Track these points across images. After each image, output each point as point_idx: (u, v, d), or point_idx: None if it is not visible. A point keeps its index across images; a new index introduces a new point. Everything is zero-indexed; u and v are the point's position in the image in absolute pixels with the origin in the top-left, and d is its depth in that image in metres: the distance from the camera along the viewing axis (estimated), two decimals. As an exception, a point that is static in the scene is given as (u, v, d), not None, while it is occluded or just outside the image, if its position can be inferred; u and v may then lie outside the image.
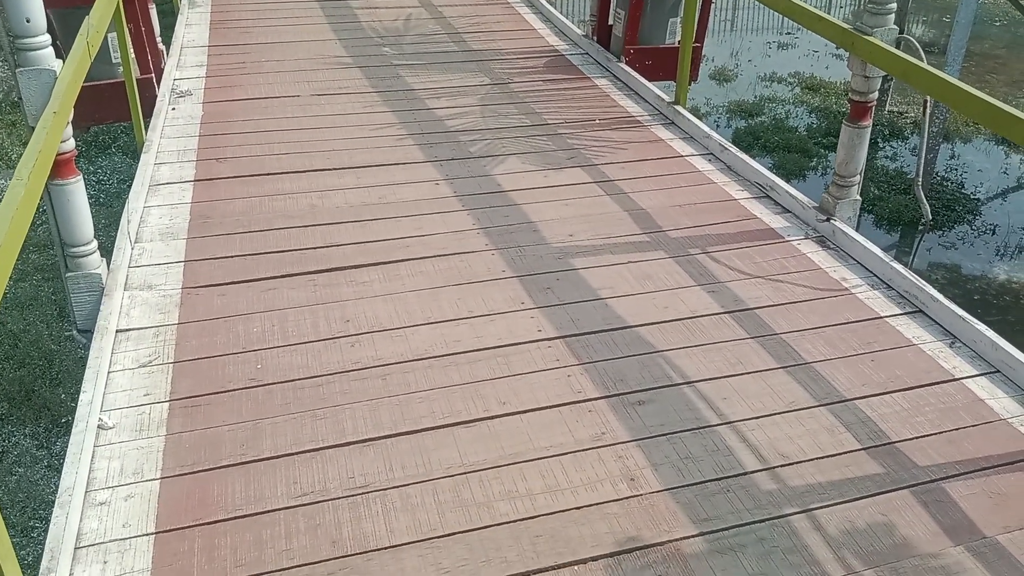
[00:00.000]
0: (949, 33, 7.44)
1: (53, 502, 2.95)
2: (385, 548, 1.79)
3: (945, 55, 7.09)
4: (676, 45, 4.53)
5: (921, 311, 2.61)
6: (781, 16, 10.34)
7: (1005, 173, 6.80)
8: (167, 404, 2.14)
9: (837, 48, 9.30)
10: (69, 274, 2.46)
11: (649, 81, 4.26)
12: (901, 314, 2.60)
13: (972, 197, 6.31)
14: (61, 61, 2.40)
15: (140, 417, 2.10)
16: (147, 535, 1.79)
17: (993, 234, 5.96)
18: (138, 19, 3.82)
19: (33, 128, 2.23)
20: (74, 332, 2.49)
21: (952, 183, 6.39)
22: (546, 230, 3.02)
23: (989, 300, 5.17)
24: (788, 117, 7.48)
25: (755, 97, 7.85)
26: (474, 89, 4.25)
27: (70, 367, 3.53)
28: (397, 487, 1.94)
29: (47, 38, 2.34)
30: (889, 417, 2.19)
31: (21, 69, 2.30)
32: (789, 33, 9.85)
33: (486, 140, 3.71)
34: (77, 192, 2.42)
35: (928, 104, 2.89)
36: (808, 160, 6.69)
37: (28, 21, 2.29)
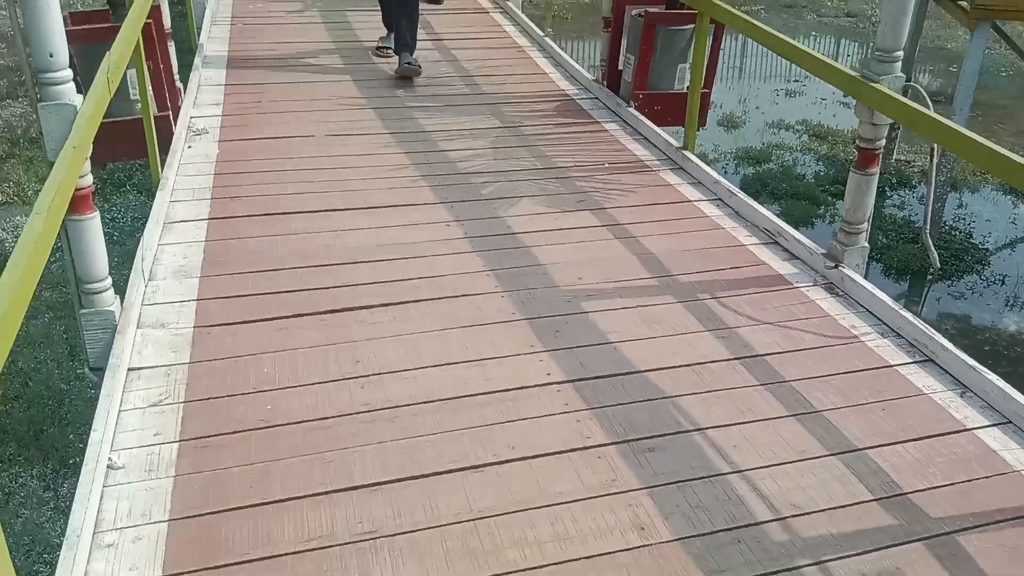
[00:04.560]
0: (956, 83, 7.51)
1: (58, 544, 2.94)
2: (393, 595, 1.77)
3: (952, 104, 7.14)
4: (685, 91, 4.58)
5: (931, 360, 2.60)
6: (789, 64, 10.48)
7: (1013, 223, 6.80)
8: (177, 445, 2.14)
9: (844, 96, 9.37)
10: (83, 311, 2.48)
11: (658, 126, 4.30)
12: (911, 363, 2.60)
13: (980, 247, 6.31)
14: (82, 96, 2.44)
15: (150, 457, 2.10)
16: (154, 578, 1.78)
17: (1002, 284, 5.95)
18: (157, 56, 3.89)
19: (52, 162, 2.26)
20: (86, 370, 2.50)
21: (960, 232, 6.39)
22: (556, 273, 3.04)
23: (1000, 351, 5.14)
24: (796, 164, 7.53)
25: (763, 144, 7.90)
26: (486, 132, 4.29)
27: (80, 407, 3.53)
28: (405, 533, 1.92)
29: (69, 73, 2.38)
30: (901, 467, 2.17)
31: (43, 103, 2.34)
32: (797, 81, 9.95)
33: (498, 182, 3.74)
34: (93, 228, 2.45)
35: (935, 152, 2.91)
36: (816, 208, 6.71)
37: (51, 56, 2.33)
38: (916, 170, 7.33)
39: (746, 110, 8.84)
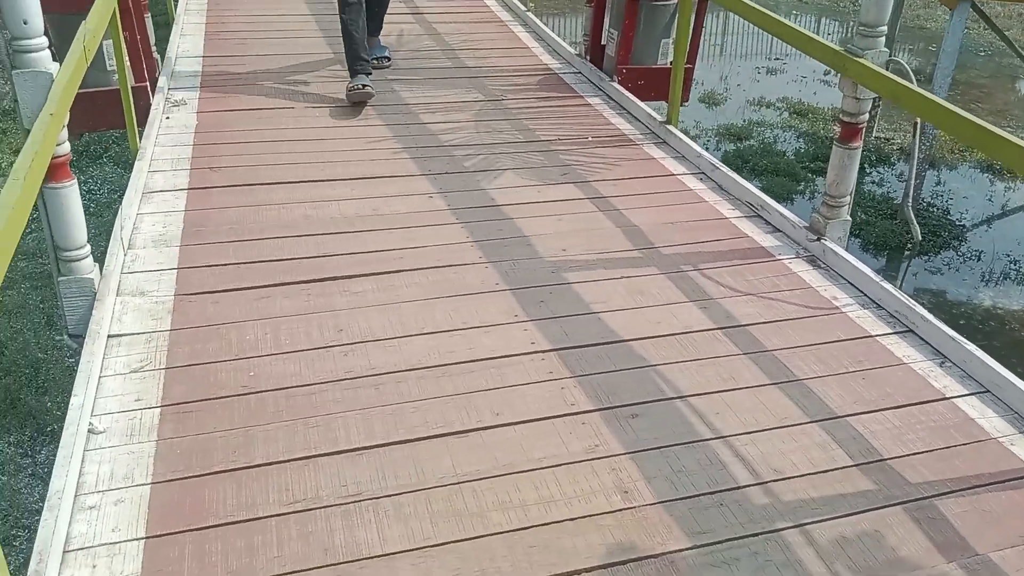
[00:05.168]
0: (935, 62, 7.56)
1: (37, 510, 2.92)
2: (378, 556, 1.78)
3: (931, 83, 7.19)
4: (668, 66, 4.57)
5: (911, 331, 2.63)
6: (770, 42, 10.49)
7: (990, 200, 6.88)
8: (159, 410, 2.13)
9: (825, 74, 9.44)
10: (61, 278, 2.44)
11: (641, 101, 4.29)
12: (892, 333, 2.63)
13: (958, 223, 6.39)
14: (58, 64, 2.40)
15: (131, 422, 2.08)
16: (137, 540, 1.77)
17: (978, 260, 6.02)
18: (134, 28, 3.82)
19: (29, 130, 2.22)
20: (65, 337, 2.47)
21: (938, 209, 6.46)
22: (540, 244, 3.04)
23: (975, 325, 5.21)
24: (776, 141, 7.56)
25: (744, 121, 7.93)
26: (468, 105, 4.27)
27: (57, 375, 3.49)
28: (390, 496, 1.92)
29: (44, 40, 2.33)
30: (881, 434, 2.20)
31: (17, 71, 2.29)
32: (778, 59, 9.97)
33: (480, 155, 3.72)
34: (71, 196, 2.41)
35: (918, 126, 2.93)
36: (796, 184, 6.75)
37: (25, 23, 2.28)
38: (895, 147, 7.39)
39: (727, 87, 8.85)
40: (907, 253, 6.03)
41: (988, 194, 6.96)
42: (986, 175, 7.21)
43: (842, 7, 11.79)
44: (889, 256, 6.01)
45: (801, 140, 7.66)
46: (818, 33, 10.85)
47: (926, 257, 6.03)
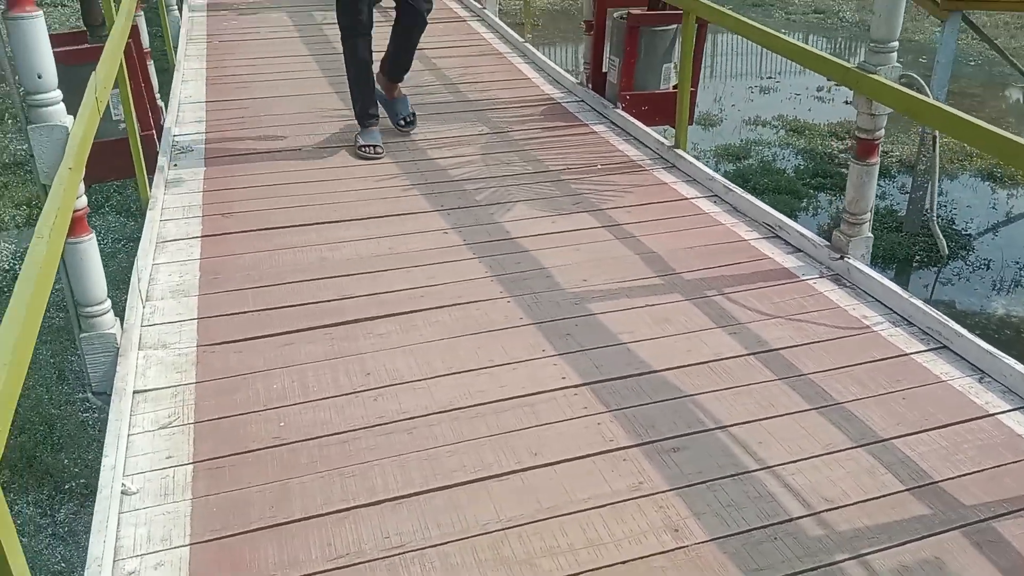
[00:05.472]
0: (926, 74, 7.60)
1: (58, 572, 2.85)
2: (429, 611, 1.72)
3: (927, 96, 7.23)
4: (671, 90, 4.58)
5: (946, 347, 2.59)
6: (760, 61, 10.56)
7: (993, 208, 6.88)
8: (191, 467, 2.07)
9: (819, 91, 9.49)
10: (83, 335, 2.40)
11: (646, 126, 4.29)
12: (926, 350, 2.59)
13: (963, 233, 6.38)
14: (72, 117, 2.37)
15: (164, 481, 2.02)
16: (179, 606, 1.71)
17: (988, 269, 6.01)
18: (138, 76, 3.81)
19: (46, 186, 2.19)
20: (88, 395, 2.42)
21: (943, 219, 6.45)
22: (559, 276, 3.00)
23: (990, 335, 5.18)
24: (775, 159, 7.57)
25: (741, 141, 7.95)
26: (474, 139, 4.25)
27: (72, 431, 3.43)
28: (435, 546, 1.87)
29: (58, 94, 2.31)
30: (928, 456, 2.15)
31: (33, 126, 2.27)
32: (770, 78, 10.03)
33: (491, 188, 3.70)
34: (91, 250, 2.37)
35: (936, 140, 2.91)
36: (798, 201, 6.75)
37: (40, 77, 2.26)
38: (894, 160, 7.41)
39: (722, 108, 8.88)
40: (938, 266, 6.00)
41: (991, 202, 6.97)
42: (987, 183, 7.23)
43: (830, 24, 11.89)
44: (898, 269, 5.99)
45: (800, 157, 7.68)
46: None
47: (935, 268, 6.01)
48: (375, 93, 4.08)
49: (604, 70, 4.77)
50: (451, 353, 2.56)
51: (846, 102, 9.16)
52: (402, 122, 4.13)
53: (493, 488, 2.04)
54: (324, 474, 2.07)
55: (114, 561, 1.78)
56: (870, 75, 2.83)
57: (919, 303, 2.71)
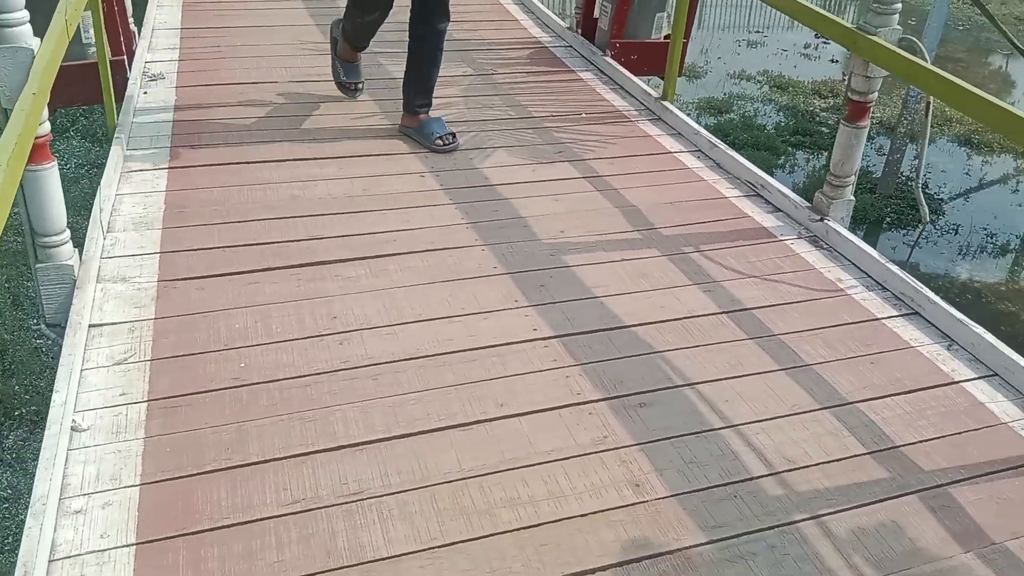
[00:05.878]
0: (915, 36, 7.53)
1: (5, 499, 2.80)
2: (383, 559, 1.70)
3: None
4: (662, 40, 4.48)
5: (917, 313, 2.58)
6: (749, 15, 10.37)
7: (967, 174, 6.89)
8: (145, 405, 2.02)
9: (805, 48, 9.36)
10: (39, 265, 2.32)
11: (634, 76, 4.20)
12: (898, 316, 2.58)
13: (936, 197, 6.39)
14: (38, 39, 2.26)
15: (116, 418, 1.97)
16: (127, 546, 1.67)
17: (956, 234, 6.03)
18: (110, -2, 3.66)
19: (8, 110, 2.09)
20: (42, 327, 2.35)
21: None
22: (536, 226, 2.95)
23: (952, 299, 5.21)
24: (757, 115, 7.51)
25: (724, 94, 7.86)
26: (457, 80, 4.14)
27: (24, 358, 3.35)
28: (393, 494, 1.85)
29: (25, 14, 2.19)
30: (892, 421, 2.15)
31: None
32: (759, 32, 9.89)
33: (472, 132, 3.61)
34: (51, 178, 2.28)
35: (930, 106, 2.87)
36: (776, 158, 6.71)
37: (5, -5, 2.15)
38: (875, 121, 7.38)
39: (708, 60, 8.77)
40: (919, 231, 6.01)
41: (966, 168, 6.97)
42: (964, 148, 7.22)
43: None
44: (868, 231, 5.99)
45: (781, 114, 7.61)
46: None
47: (904, 231, 6.03)
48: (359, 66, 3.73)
49: (596, 16, 4.64)
50: (421, 300, 2.51)
51: (832, 60, 9.07)
52: (439, 141, 3.43)
53: (457, 437, 2.02)
54: (284, 417, 2.03)
55: (60, 499, 1.73)
56: (869, 36, 2.76)
57: (895, 268, 2.69)
